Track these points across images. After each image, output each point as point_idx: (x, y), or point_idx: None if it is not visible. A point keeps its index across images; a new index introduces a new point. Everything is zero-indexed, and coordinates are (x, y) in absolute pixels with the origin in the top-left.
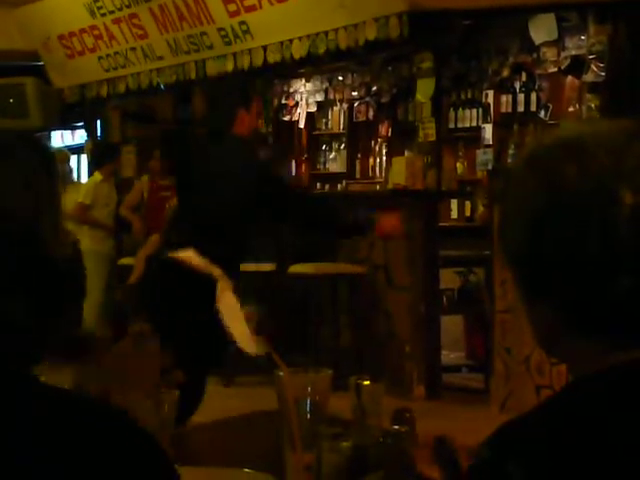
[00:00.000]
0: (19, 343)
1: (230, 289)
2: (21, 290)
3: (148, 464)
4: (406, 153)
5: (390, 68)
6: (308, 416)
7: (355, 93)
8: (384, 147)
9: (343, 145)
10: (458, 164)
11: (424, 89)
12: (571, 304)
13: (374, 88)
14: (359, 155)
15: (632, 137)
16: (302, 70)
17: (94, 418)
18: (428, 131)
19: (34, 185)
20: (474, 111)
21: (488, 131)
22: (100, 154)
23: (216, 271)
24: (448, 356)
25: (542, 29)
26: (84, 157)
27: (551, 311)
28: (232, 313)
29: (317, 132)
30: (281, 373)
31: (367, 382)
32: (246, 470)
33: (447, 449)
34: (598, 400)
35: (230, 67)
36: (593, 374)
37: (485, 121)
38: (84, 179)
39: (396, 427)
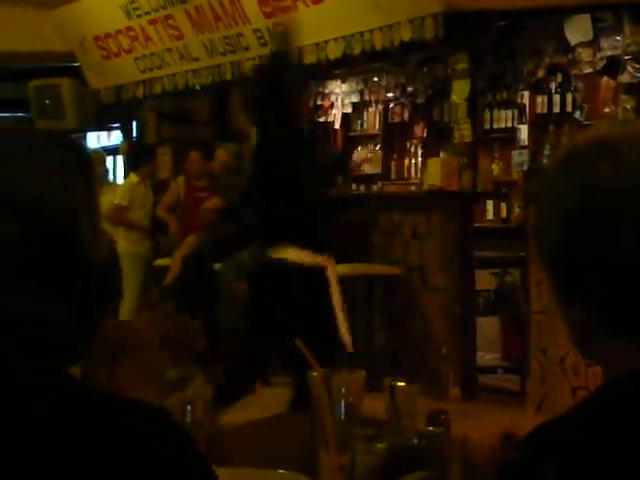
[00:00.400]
0: (57, 342)
1: (336, 275)
2: (59, 290)
3: (186, 466)
4: (441, 154)
5: (425, 69)
6: (342, 417)
7: (390, 94)
8: (419, 148)
9: (379, 146)
10: (494, 165)
11: (459, 90)
12: (604, 303)
13: (409, 89)
14: (394, 156)
15: None
16: (337, 71)
17: (134, 420)
18: (464, 132)
19: (70, 185)
20: (509, 112)
21: (524, 132)
22: (136, 155)
23: (321, 259)
24: (484, 357)
25: (577, 30)
26: (120, 158)
27: (585, 311)
28: (339, 304)
29: (353, 133)
30: (315, 374)
31: (401, 383)
32: (280, 471)
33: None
34: (632, 400)
35: None
36: (627, 374)
37: (521, 122)
38: (120, 180)
39: (431, 429)
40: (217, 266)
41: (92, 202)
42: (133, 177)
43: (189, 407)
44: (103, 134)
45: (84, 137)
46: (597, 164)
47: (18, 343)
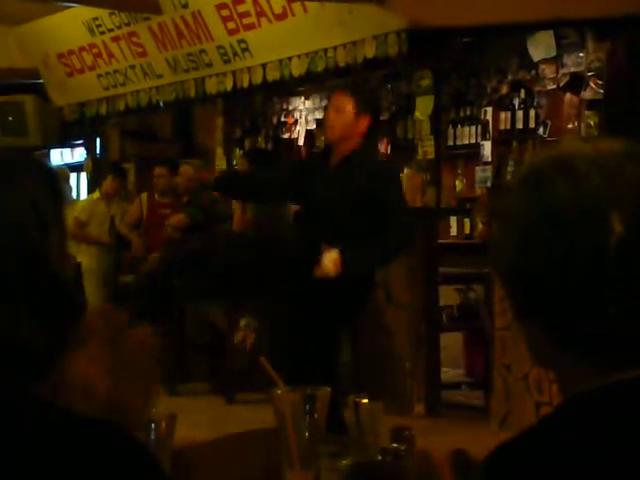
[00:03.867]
0: (24, 360)
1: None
2: (29, 308)
3: None
4: (405, 171)
5: (389, 86)
6: (306, 434)
7: None
8: None
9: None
10: (457, 181)
11: (423, 107)
12: (558, 323)
13: None
14: None
15: (626, 158)
16: (301, 88)
17: (91, 439)
18: (427, 149)
19: (40, 205)
20: (473, 128)
21: (487, 148)
22: (101, 172)
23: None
24: (448, 373)
25: (540, 46)
26: (83, 175)
27: (540, 329)
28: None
29: (317, 149)
30: (279, 391)
31: (365, 400)
32: None
33: (465, 459)
34: (589, 421)
35: (230, 85)
36: (585, 393)
37: (484, 138)
38: (83, 197)
39: (395, 445)
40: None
41: (60, 220)
42: (95, 193)
43: (153, 425)
44: (66, 151)
45: (47, 154)
46: (556, 182)
47: None
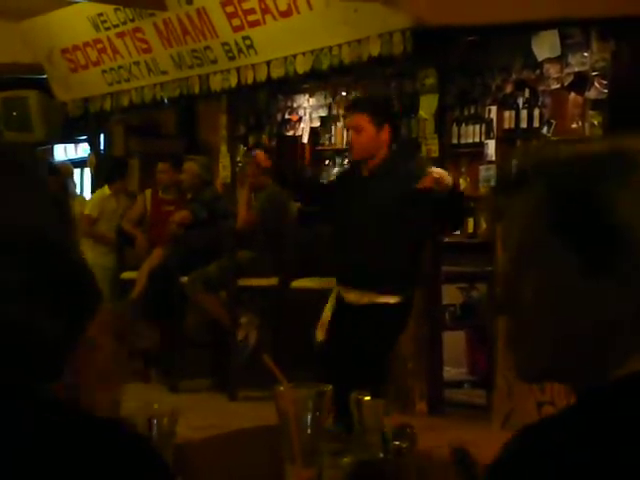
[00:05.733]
0: (39, 356)
1: None
2: (51, 300)
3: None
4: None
5: (393, 84)
6: (309, 431)
7: None
8: None
9: (346, 160)
10: (461, 180)
11: (427, 105)
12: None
13: None
14: None
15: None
16: (306, 85)
17: (95, 437)
18: (431, 147)
19: (60, 200)
20: (477, 127)
21: (491, 147)
22: (110, 169)
23: None
24: (450, 372)
25: (545, 46)
26: (87, 171)
27: None
28: None
29: (320, 147)
30: (281, 388)
31: (367, 398)
32: None
33: (466, 457)
34: (608, 415)
35: (234, 82)
36: (600, 389)
37: (488, 137)
38: (87, 193)
39: (396, 443)
40: (184, 279)
41: (73, 216)
42: (106, 190)
43: (155, 421)
44: (70, 146)
45: (51, 149)
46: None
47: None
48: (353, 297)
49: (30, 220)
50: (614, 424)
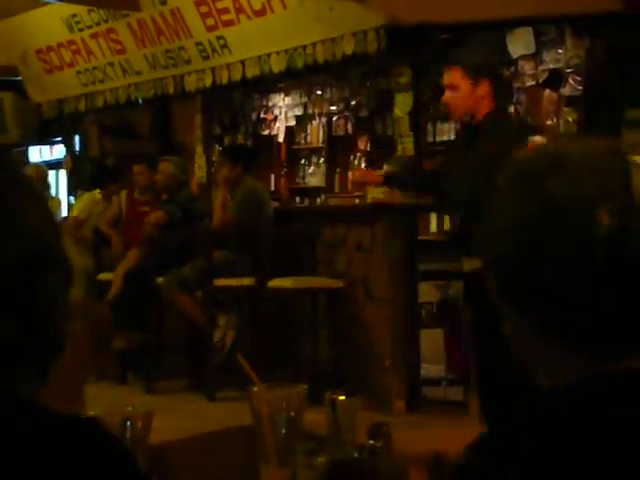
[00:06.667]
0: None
1: None
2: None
3: None
4: (385, 167)
5: (368, 82)
6: (283, 432)
7: (334, 107)
8: (363, 161)
9: (322, 159)
10: None
11: (402, 103)
12: (551, 318)
13: (353, 102)
14: (338, 169)
15: (611, 155)
16: (281, 84)
17: (66, 438)
18: (406, 145)
19: (44, 201)
20: (452, 125)
21: None
22: (101, 173)
23: None
24: (428, 369)
25: (520, 43)
26: (62, 172)
27: (530, 324)
28: None
29: (296, 146)
30: (255, 389)
31: (342, 397)
32: None
33: (441, 464)
34: (580, 411)
35: (209, 82)
36: (575, 384)
37: None
38: (62, 194)
39: (371, 442)
40: (160, 280)
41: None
42: (97, 194)
43: (129, 423)
44: (45, 148)
45: (26, 151)
46: (549, 180)
47: None
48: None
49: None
50: (577, 427)
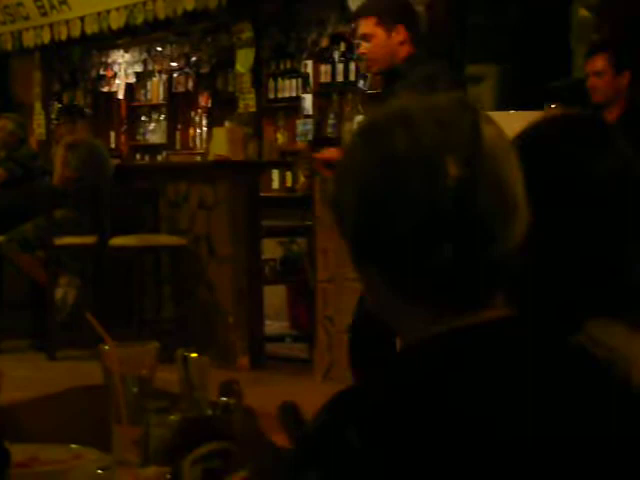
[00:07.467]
0: None
1: None
2: None
3: None
4: (227, 124)
5: (209, 39)
6: (134, 390)
7: (174, 64)
8: (204, 118)
9: (163, 116)
10: (279, 134)
11: (243, 59)
12: (397, 272)
13: (193, 59)
14: (179, 126)
15: (462, 109)
16: (120, 41)
17: None
18: (248, 102)
19: None
20: (294, 81)
21: (308, 101)
22: None
23: None
24: (272, 326)
25: None
26: None
27: (379, 278)
28: None
29: (136, 103)
30: (106, 347)
31: (194, 354)
32: (72, 446)
33: (293, 412)
34: (429, 366)
35: (47, 38)
36: (424, 341)
37: (305, 91)
38: None
39: (224, 399)
40: (0, 239)
41: None
42: None
43: None
44: None
45: None
46: (394, 135)
47: None
48: None
49: None
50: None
